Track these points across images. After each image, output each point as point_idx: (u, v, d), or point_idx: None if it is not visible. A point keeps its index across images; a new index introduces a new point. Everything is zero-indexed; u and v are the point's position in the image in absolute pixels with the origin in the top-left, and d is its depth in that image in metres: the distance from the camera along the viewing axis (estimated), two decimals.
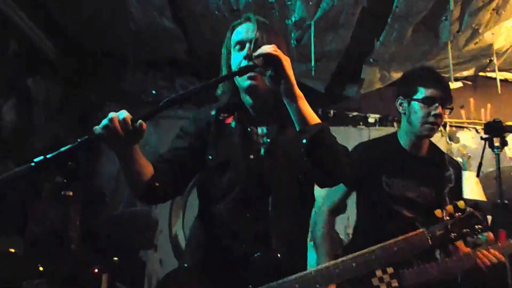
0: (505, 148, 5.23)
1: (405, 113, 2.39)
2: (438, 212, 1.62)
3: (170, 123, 4.88)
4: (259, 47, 1.58)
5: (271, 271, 1.57)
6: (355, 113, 5.23)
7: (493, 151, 2.77)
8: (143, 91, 5.06)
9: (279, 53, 1.52)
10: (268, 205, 1.65)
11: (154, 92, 5.06)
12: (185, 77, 5.11)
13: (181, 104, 4.17)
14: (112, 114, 1.42)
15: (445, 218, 1.60)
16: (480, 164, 2.93)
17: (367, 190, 2.37)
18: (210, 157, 1.75)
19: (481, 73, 5.26)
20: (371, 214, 2.42)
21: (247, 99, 1.78)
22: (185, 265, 1.78)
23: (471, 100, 5.39)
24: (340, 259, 1.55)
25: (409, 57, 4.51)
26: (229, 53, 1.79)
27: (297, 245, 1.72)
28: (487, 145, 2.81)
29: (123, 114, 1.43)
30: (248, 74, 1.63)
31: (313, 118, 1.57)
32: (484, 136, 2.82)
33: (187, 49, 4.71)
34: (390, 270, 2.09)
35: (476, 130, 5.23)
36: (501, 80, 5.34)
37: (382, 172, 2.34)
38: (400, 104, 2.42)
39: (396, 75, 4.82)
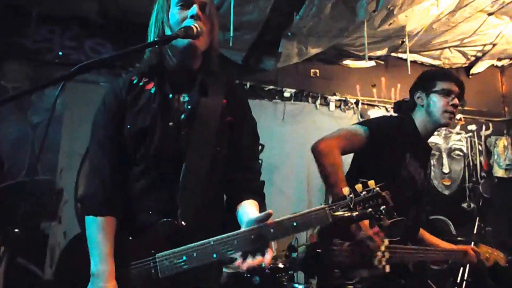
0: None
1: (423, 105, 2.59)
2: (345, 190, 1.55)
3: (77, 86, 4.65)
4: (204, 10, 1.71)
5: (175, 238, 1.57)
6: (271, 87, 5.20)
7: None
8: (48, 50, 4.70)
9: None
10: (179, 174, 1.63)
11: (61, 53, 4.71)
12: (96, 38, 4.82)
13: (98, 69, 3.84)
14: None
15: (349, 196, 1.54)
16: None
17: (388, 163, 2.41)
18: (128, 126, 1.69)
19: (393, 54, 5.44)
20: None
21: (173, 62, 1.75)
22: None
23: (383, 79, 5.58)
24: (238, 231, 1.52)
25: (327, 32, 4.53)
26: (166, 9, 1.74)
27: (205, 215, 1.66)
28: None
29: None
30: (192, 22, 1.65)
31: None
32: (394, 114, 2.92)
33: (99, 9, 4.42)
34: (386, 241, 2.24)
35: (386, 109, 5.44)
36: (411, 61, 5.58)
37: (406, 149, 2.49)
38: (418, 97, 2.63)
39: (313, 50, 4.85)
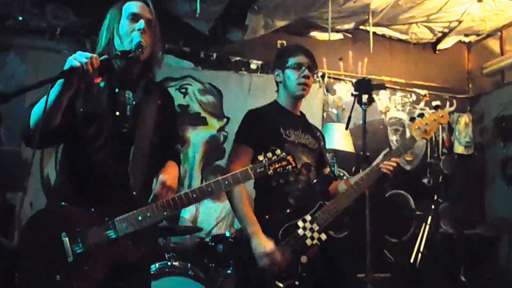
0: (377, 102, 5.65)
1: (281, 82, 2.78)
2: (260, 157, 2.11)
3: (39, 54, 4.64)
4: (151, 26, 2.07)
5: (127, 206, 1.92)
6: (237, 58, 5.19)
7: (361, 107, 2.93)
8: (7, 15, 4.57)
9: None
10: (129, 153, 2.00)
11: (20, 18, 4.59)
12: (57, 4, 4.71)
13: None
14: (90, 55, 1.74)
15: (264, 160, 2.10)
16: (349, 118, 3.11)
17: (268, 142, 2.54)
18: (81, 109, 1.99)
19: (361, 27, 5.42)
20: None
21: (118, 65, 2.09)
22: (61, 203, 1.96)
23: (350, 53, 5.58)
24: (182, 192, 2.00)
25: (293, 7, 4.52)
26: (117, 19, 2.08)
27: (150, 186, 2.09)
28: (356, 101, 2.98)
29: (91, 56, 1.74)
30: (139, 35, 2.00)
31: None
32: (354, 92, 2.98)
33: None
34: (308, 217, 2.48)
35: (352, 84, 5.39)
36: (379, 35, 5.61)
37: (279, 125, 2.67)
38: (277, 75, 2.81)
39: (280, 23, 4.84)
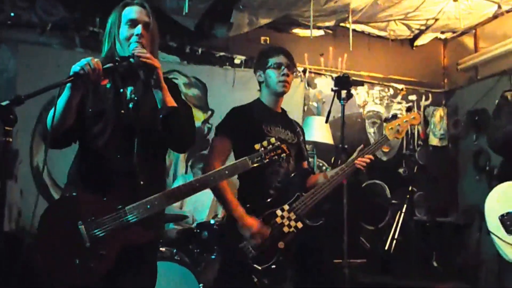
0: (355, 96, 5.89)
1: (263, 81, 3.00)
2: (256, 146, 2.27)
3: (29, 49, 4.74)
4: (148, 28, 2.21)
5: (135, 194, 2.09)
6: (222, 53, 5.36)
7: (340, 102, 3.15)
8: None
9: (156, 62, 2.11)
10: (134, 147, 2.15)
11: (12, 14, 4.71)
12: None
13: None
14: (90, 59, 1.93)
15: (260, 150, 2.25)
16: (329, 112, 3.32)
17: (249, 137, 2.73)
18: (90, 110, 2.17)
19: (341, 24, 5.64)
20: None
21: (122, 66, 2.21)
22: (74, 194, 2.13)
23: (331, 48, 5.80)
24: (185, 183, 2.18)
25: (276, 5, 4.71)
26: (117, 25, 2.23)
27: (155, 176, 2.25)
28: (335, 96, 3.20)
29: (91, 60, 1.94)
30: (136, 40, 2.15)
31: (171, 102, 2.15)
32: (334, 88, 3.19)
33: None
34: (286, 207, 2.74)
35: (332, 78, 5.61)
36: (358, 32, 5.82)
37: (261, 122, 2.90)
38: (259, 75, 3.02)
39: (263, 21, 5.03)
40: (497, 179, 2.69)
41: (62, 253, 2.01)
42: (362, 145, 2.96)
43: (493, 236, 2.58)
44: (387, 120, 3.88)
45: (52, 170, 4.65)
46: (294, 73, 3.34)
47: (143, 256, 2.18)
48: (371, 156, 2.88)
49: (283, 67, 2.92)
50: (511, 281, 2.63)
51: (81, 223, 2.02)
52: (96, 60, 1.96)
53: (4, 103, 1.68)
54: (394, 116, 3.34)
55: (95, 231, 2.03)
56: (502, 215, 2.59)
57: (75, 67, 1.92)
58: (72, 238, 2.01)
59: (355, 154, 2.90)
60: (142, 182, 2.13)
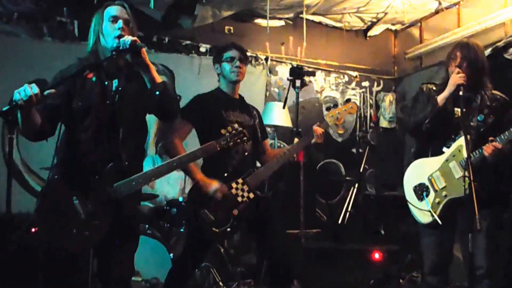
0: (313, 83, 6.37)
1: (220, 73, 3.38)
2: (223, 131, 2.62)
3: None
4: (128, 24, 2.47)
5: (120, 175, 2.38)
6: (188, 42, 5.69)
7: (294, 90, 3.64)
8: None
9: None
10: (119, 134, 2.45)
11: None
12: None
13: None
14: (28, 90, 2.10)
15: (226, 134, 2.60)
16: (286, 99, 3.90)
17: (210, 122, 3.20)
18: (79, 103, 2.43)
19: (301, 16, 6.06)
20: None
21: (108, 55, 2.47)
22: (55, 177, 2.43)
23: (291, 38, 6.23)
24: (160, 164, 2.53)
25: (237, 0, 5.12)
26: (101, 23, 2.49)
27: (137, 159, 2.59)
28: (291, 85, 3.72)
29: (35, 88, 2.12)
30: (119, 34, 2.39)
31: (158, 78, 2.46)
32: (289, 78, 3.68)
33: None
34: (240, 180, 3.13)
35: (292, 65, 6.07)
36: (316, 23, 6.28)
37: (220, 108, 3.26)
38: (217, 68, 3.40)
39: (226, 13, 5.40)
40: (414, 157, 3.15)
41: (62, 224, 2.34)
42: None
43: (409, 204, 3.04)
44: (328, 108, 4.32)
45: (26, 156, 4.75)
46: (251, 63, 3.95)
47: (129, 226, 2.52)
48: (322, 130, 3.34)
49: (235, 60, 3.28)
50: (424, 240, 3.09)
51: (75, 198, 2.35)
52: (31, 85, 2.12)
53: None
54: (335, 105, 3.82)
55: (89, 205, 2.35)
56: (415, 186, 3.01)
57: (16, 94, 2.11)
58: (69, 211, 2.33)
59: (296, 140, 3.38)
60: (126, 163, 2.44)
